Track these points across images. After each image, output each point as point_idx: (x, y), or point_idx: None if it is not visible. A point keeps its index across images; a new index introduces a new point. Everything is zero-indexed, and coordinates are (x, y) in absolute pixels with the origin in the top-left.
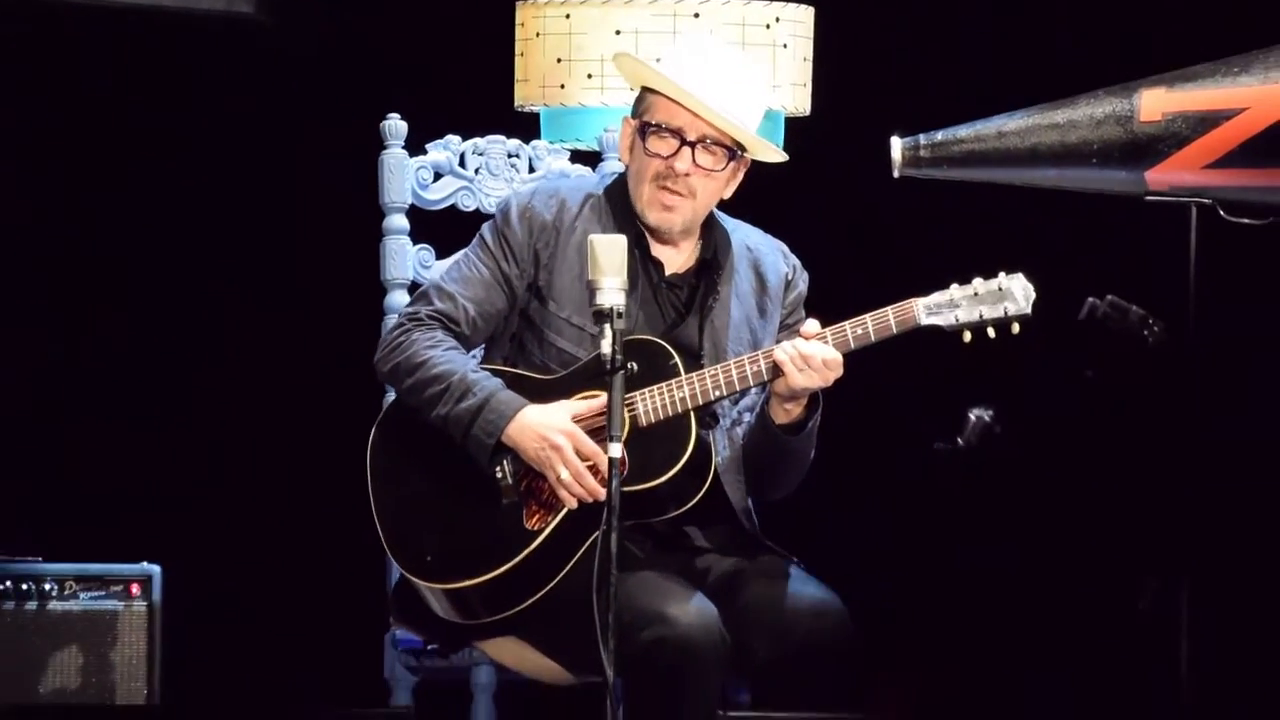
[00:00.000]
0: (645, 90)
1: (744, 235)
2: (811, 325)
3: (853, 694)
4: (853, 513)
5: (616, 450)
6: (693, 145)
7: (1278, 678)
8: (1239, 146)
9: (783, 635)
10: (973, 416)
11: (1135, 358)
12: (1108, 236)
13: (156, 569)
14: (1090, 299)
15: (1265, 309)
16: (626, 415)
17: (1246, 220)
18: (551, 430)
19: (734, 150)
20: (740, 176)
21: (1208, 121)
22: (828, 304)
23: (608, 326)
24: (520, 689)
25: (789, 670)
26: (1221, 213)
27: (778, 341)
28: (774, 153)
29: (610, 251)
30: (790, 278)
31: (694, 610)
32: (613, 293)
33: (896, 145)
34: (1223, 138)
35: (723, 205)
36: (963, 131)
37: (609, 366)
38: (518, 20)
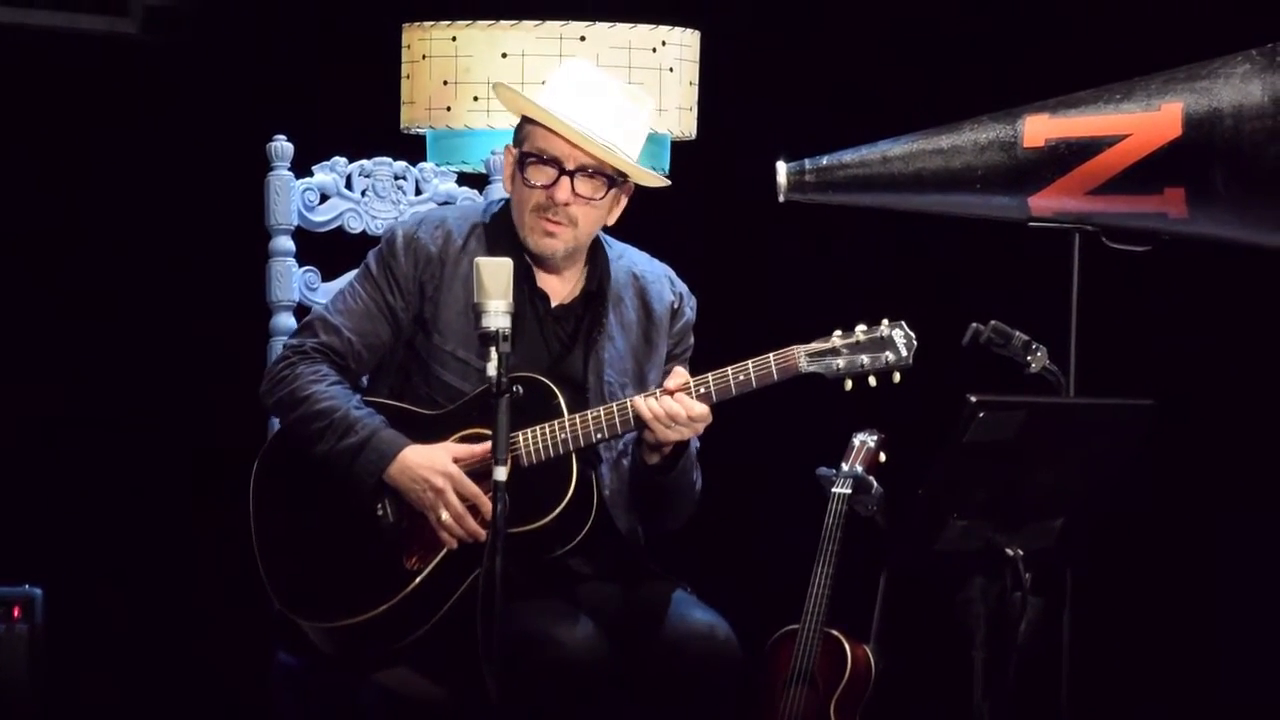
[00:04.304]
0: (524, 120)
1: (630, 262)
2: (675, 378)
3: (738, 715)
4: (740, 537)
5: (502, 474)
6: (571, 174)
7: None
8: (1121, 172)
9: (669, 658)
10: (857, 441)
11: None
12: (991, 261)
13: (39, 592)
14: (974, 324)
15: (1146, 335)
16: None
17: (1128, 246)
18: (432, 472)
19: (614, 177)
20: (624, 203)
21: (1090, 148)
22: (715, 328)
23: (493, 349)
24: (408, 710)
25: (676, 693)
26: (1104, 239)
27: (666, 373)
28: (654, 179)
29: (496, 274)
30: (676, 306)
31: (580, 635)
32: (499, 316)
33: (782, 170)
34: (1105, 164)
35: (609, 229)
36: (848, 156)
37: (494, 390)
38: (404, 42)
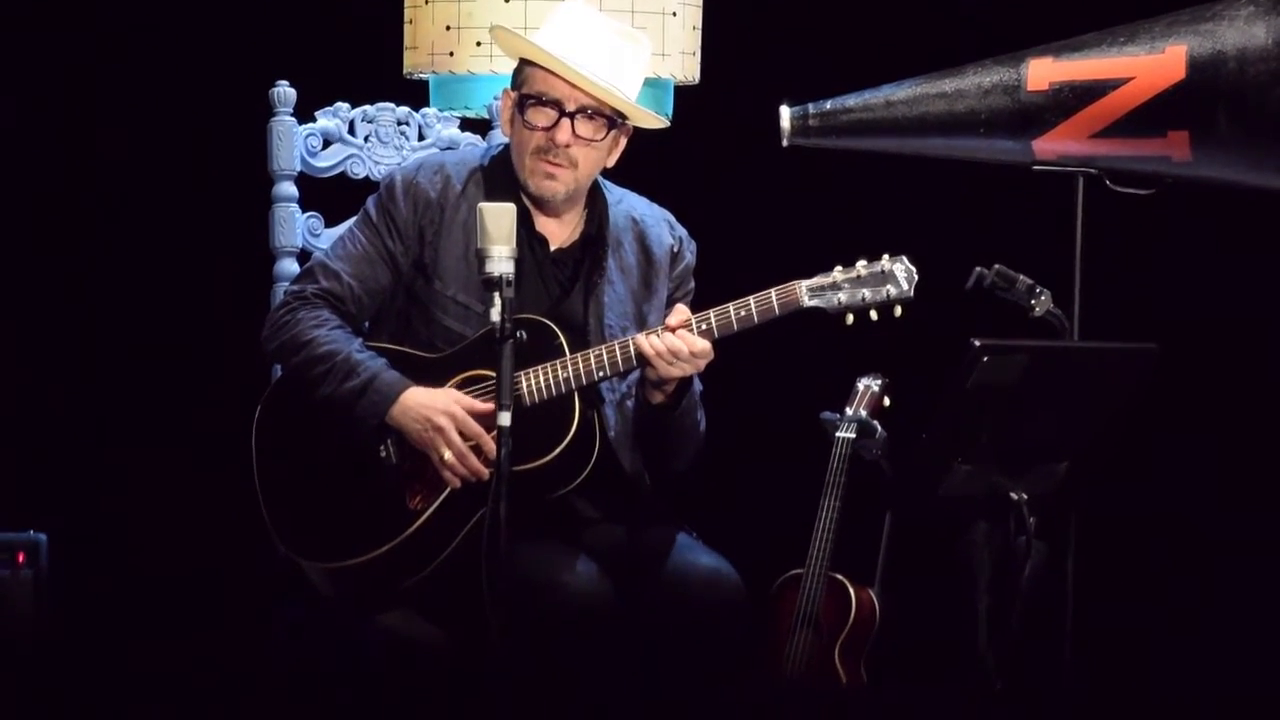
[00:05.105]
0: (523, 62)
1: (629, 206)
2: (677, 315)
3: (745, 660)
4: (744, 482)
5: (506, 419)
6: (571, 116)
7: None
8: (1124, 116)
9: (676, 603)
10: (861, 385)
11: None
12: (995, 205)
13: (43, 537)
14: (978, 268)
15: (1150, 279)
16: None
17: (1132, 190)
18: (434, 411)
19: (614, 119)
20: (623, 144)
21: (1094, 91)
22: (717, 273)
23: (497, 295)
24: (410, 653)
25: (682, 636)
26: (1108, 182)
27: (666, 315)
28: (654, 119)
29: (499, 219)
30: (676, 250)
31: (583, 577)
32: (502, 261)
33: (785, 114)
34: (1108, 107)
35: (612, 174)
36: (851, 101)
37: (499, 335)
38: None
